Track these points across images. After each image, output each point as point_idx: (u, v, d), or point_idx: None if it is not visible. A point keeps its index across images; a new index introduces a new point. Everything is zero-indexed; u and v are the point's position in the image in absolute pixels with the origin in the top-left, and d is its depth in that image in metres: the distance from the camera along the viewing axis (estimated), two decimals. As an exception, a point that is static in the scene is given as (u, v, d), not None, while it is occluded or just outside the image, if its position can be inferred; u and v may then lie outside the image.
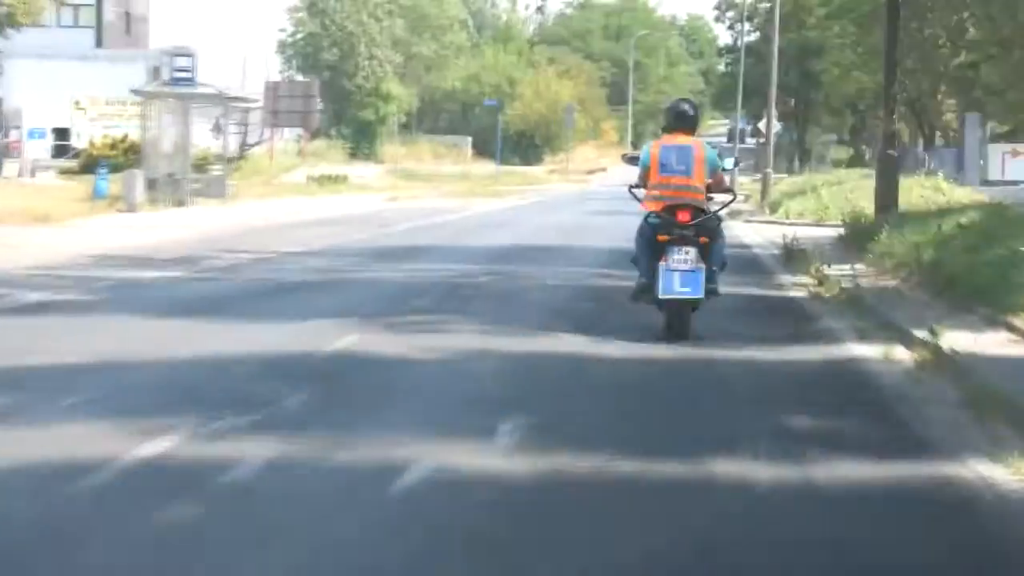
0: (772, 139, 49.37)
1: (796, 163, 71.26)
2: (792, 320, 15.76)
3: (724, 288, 13.65)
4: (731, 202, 14.78)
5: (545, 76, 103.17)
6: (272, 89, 77.61)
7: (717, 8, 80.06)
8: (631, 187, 13.31)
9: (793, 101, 73.98)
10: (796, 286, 19.62)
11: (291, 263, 21.40)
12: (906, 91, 72.73)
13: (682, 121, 13.02)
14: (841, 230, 28.28)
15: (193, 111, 55.57)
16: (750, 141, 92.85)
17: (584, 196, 59.45)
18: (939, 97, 72.38)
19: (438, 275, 19.52)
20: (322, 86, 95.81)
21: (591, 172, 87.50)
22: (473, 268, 20.81)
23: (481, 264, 21.59)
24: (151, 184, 34.60)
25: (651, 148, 12.99)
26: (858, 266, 21.00)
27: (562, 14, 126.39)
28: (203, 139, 73.46)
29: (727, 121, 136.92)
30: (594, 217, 39.55)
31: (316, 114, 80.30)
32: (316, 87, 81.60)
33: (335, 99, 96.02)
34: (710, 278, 12.55)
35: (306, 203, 42.68)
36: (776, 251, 25.96)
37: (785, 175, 64.80)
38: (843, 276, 19.12)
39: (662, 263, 12.38)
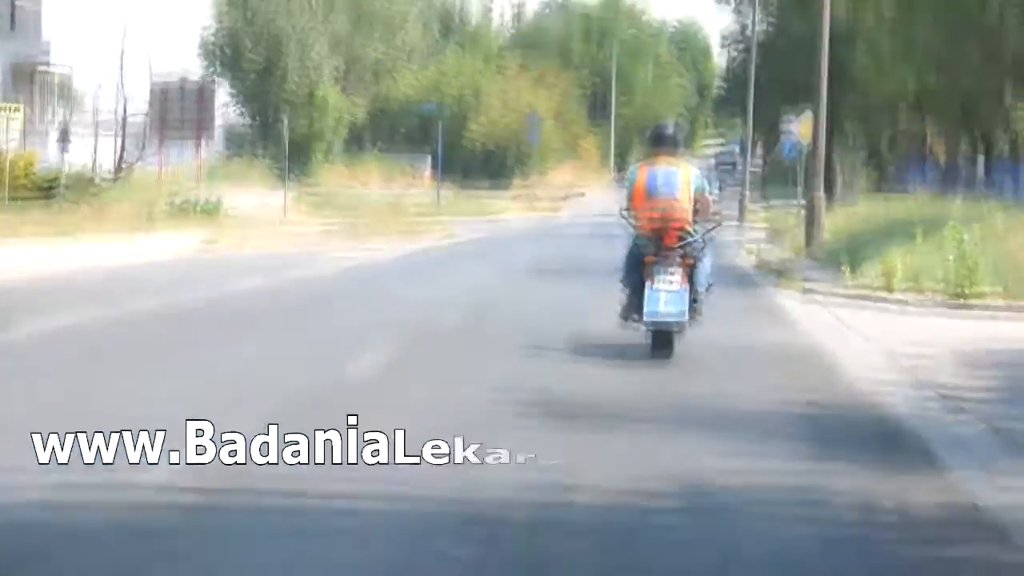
0: (821, 151, 29.77)
1: (836, 188, 51.05)
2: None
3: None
4: (715, 228, 13.12)
5: (515, 84, 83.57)
6: (160, 92, 58.16)
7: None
8: (621, 211, 12.67)
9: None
10: None
11: None
12: (961, 90, 53.65)
13: (664, 144, 12.62)
14: None
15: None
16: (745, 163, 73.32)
17: (545, 232, 40.20)
18: (1005, 101, 52.91)
19: None
20: (245, 93, 76.81)
21: (564, 198, 67.84)
22: None
23: None
24: None
25: (637, 172, 12.71)
26: None
27: (538, 17, 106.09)
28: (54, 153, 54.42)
29: (721, 142, 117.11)
30: (534, 284, 20.16)
31: (214, 123, 60.85)
32: (214, 89, 62.08)
33: (261, 110, 76.50)
34: (695, 299, 12.19)
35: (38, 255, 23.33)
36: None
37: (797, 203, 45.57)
38: None
39: (648, 283, 12.06)
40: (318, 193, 56.93)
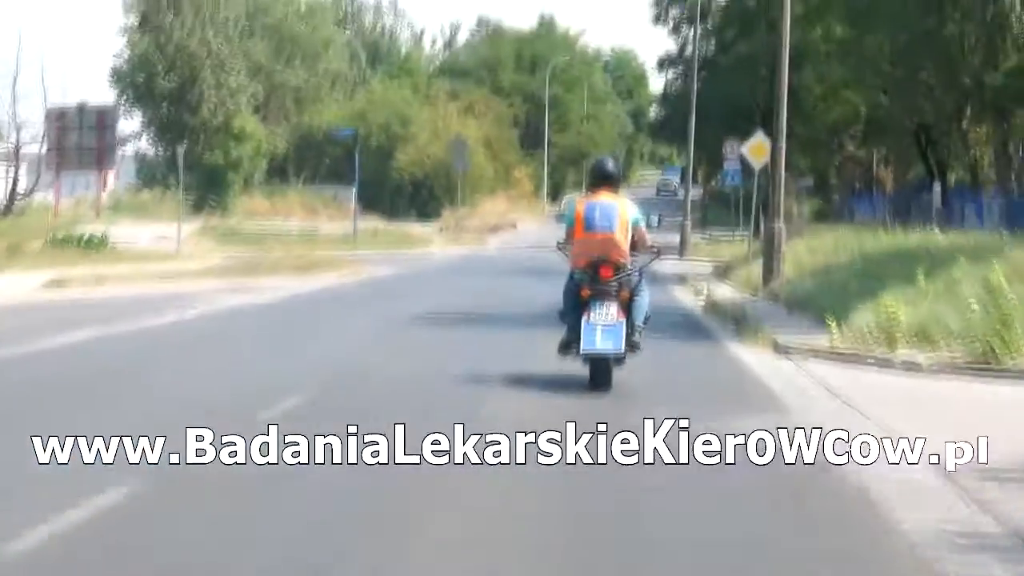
0: (780, 177, 25.21)
1: (791, 218, 46.55)
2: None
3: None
4: (653, 260, 13.06)
5: (445, 113, 79.04)
6: (55, 119, 53.18)
7: (656, 5, 55.95)
8: (558, 244, 12.72)
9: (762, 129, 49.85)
10: None
11: None
12: (919, 115, 49.35)
13: (605, 179, 12.42)
14: None
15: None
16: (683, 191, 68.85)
17: (467, 268, 35.52)
18: (964, 123, 48.61)
19: None
20: (158, 122, 71.70)
21: (495, 229, 63.16)
22: None
23: None
24: None
25: (576, 206, 12.52)
26: None
27: (469, 44, 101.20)
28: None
29: (658, 172, 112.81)
30: (425, 343, 15.49)
31: (116, 151, 56.02)
32: (117, 114, 57.26)
33: (174, 139, 71.25)
34: (632, 332, 11.97)
35: None
36: None
37: (744, 234, 41.07)
38: None
39: (584, 318, 11.86)
40: (226, 226, 52.06)
